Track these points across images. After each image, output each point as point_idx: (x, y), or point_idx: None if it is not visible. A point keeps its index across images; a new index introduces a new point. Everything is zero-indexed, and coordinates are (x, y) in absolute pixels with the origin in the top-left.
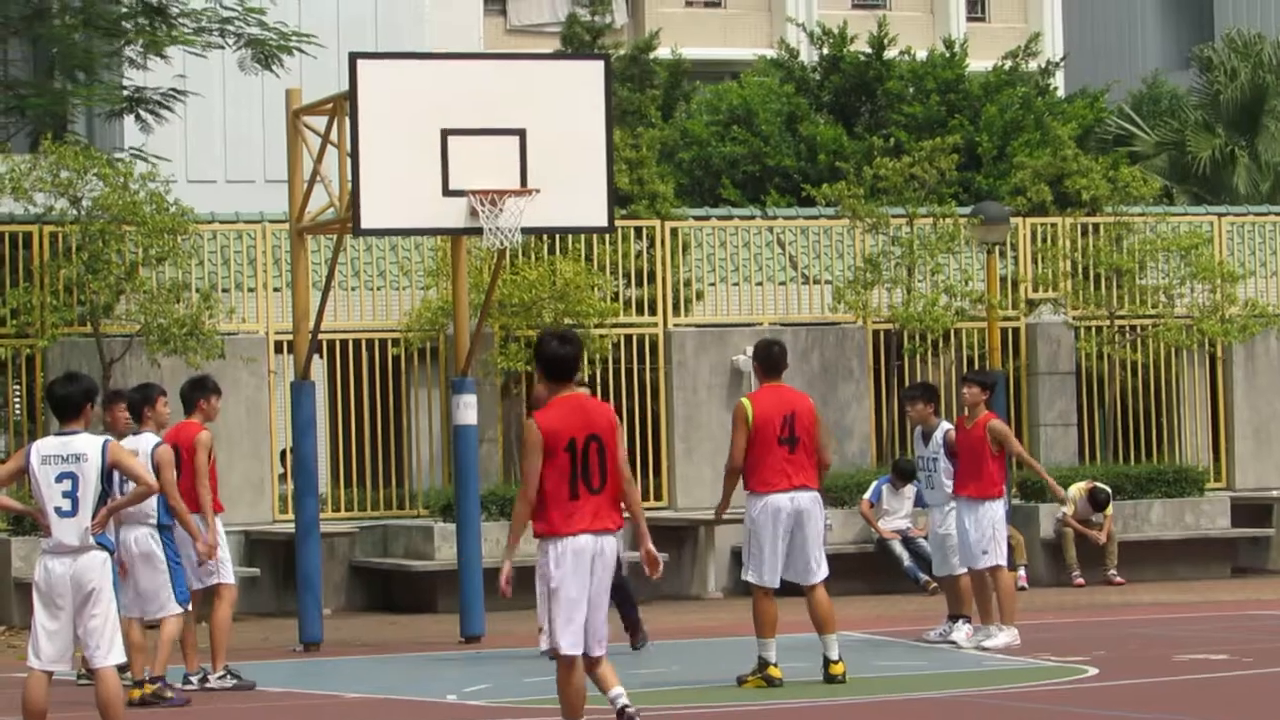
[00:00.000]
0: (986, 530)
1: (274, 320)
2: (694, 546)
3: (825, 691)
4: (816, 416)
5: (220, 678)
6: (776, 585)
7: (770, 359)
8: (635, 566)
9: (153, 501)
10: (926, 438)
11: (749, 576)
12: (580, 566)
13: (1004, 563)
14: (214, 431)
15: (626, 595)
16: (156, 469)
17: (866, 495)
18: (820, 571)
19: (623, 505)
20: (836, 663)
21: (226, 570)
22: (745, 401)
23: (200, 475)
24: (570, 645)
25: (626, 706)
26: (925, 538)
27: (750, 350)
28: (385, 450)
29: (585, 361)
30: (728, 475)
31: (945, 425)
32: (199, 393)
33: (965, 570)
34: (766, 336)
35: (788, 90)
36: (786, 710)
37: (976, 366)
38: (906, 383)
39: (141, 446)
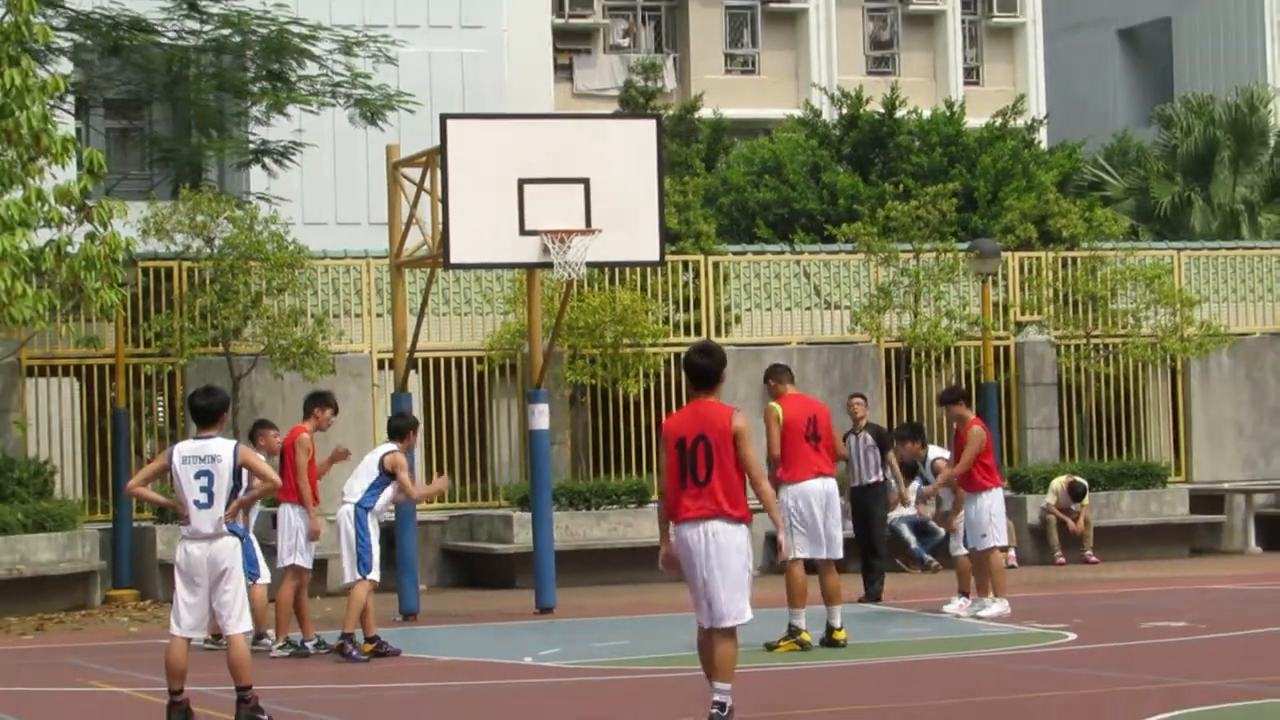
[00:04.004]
0: (984, 516)
1: (377, 341)
2: None
3: (846, 655)
4: (830, 418)
5: (280, 647)
6: (822, 556)
7: (785, 373)
8: None
9: None
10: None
11: (800, 553)
12: (684, 549)
13: (1002, 543)
14: (326, 436)
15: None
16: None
17: None
18: (841, 549)
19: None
20: (840, 629)
21: (304, 555)
22: (775, 405)
23: (300, 472)
24: (701, 617)
25: (718, 713)
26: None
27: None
28: (471, 451)
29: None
30: (769, 463)
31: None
32: (313, 403)
33: (966, 552)
34: (779, 361)
35: (812, 144)
36: (816, 670)
37: (950, 384)
38: (913, 392)
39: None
